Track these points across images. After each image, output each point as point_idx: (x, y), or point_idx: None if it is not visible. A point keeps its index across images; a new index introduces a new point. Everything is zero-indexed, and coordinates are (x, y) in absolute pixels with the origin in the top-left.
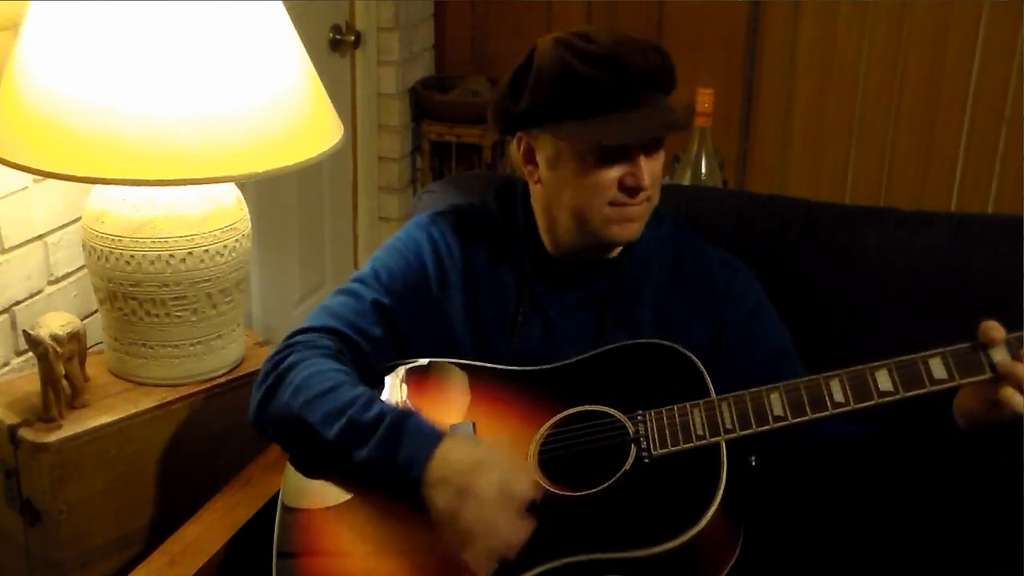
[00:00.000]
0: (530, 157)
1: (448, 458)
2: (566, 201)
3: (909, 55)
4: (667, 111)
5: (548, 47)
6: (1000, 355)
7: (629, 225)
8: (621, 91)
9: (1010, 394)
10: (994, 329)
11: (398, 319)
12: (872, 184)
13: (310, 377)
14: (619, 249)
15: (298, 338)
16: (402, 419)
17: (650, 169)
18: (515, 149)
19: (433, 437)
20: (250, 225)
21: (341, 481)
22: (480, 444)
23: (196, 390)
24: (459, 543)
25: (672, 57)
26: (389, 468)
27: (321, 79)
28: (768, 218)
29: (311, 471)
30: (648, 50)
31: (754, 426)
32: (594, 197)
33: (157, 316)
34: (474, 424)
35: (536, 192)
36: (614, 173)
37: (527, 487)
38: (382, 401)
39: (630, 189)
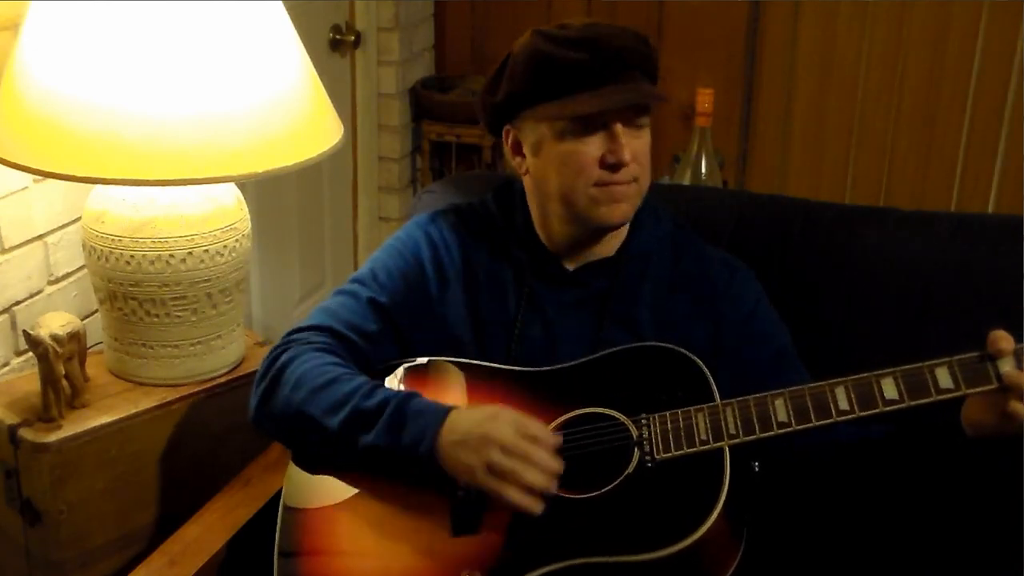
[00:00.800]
0: (517, 149)
1: (457, 424)
2: (553, 186)
3: (909, 55)
4: (644, 86)
5: (524, 39)
6: (1007, 366)
7: (617, 206)
8: (595, 70)
9: (1016, 406)
10: (1003, 339)
11: (397, 319)
12: (872, 184)
13: (308, 371)
14: (617, 246)
15: (293, 336)
16: (406, 400)
17: (632, 146)
18: (505, 145)
19: (439, 412)
20: (250, 225)
21: (343, 480)
22: (484, 406)
23: (196, 390)
24: (498, 487)
25: (654, 46)
26: (397, 449)
27: (321, 79)
28: (768, 218)
29: (313, 469)
30: (623, 32)
31: (758, 432)
32: (578, 177)
33: (157, 316)
34: None
35: (527, 185)
36: (594, 150)
37: (540, 425)
38: (384, 388)
39: (612, 166)
